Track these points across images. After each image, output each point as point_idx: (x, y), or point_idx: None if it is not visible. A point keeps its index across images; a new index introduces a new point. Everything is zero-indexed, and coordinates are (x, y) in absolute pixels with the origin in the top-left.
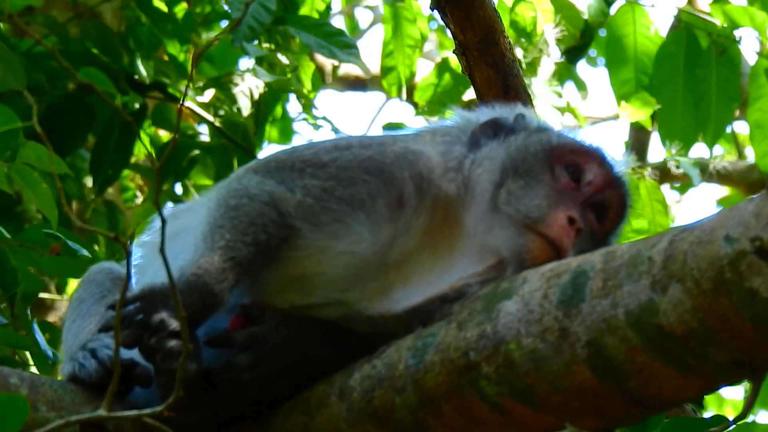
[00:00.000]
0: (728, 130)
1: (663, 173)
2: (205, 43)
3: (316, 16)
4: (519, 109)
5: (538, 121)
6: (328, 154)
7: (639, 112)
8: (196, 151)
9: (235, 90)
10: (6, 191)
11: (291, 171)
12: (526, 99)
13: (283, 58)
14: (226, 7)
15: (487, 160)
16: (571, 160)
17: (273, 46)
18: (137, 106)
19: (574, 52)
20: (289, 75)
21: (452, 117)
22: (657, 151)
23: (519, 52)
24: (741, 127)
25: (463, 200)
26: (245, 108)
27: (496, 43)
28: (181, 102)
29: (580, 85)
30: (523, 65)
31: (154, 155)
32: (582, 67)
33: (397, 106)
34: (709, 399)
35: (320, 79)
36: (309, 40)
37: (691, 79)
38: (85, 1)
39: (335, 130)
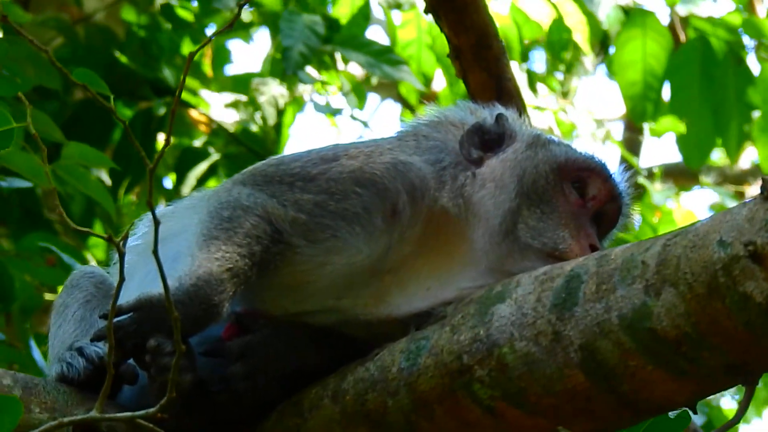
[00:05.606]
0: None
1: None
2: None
3: (357, 32)
4: (498, 109)
5: (529, 129)
6: (315, 167)
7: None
8: (216, 156)
9: (261, 99)
10: (37, 194)
11: (280, 185)
12: (520, 102)
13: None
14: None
15: (490, 182)
16: (577, 176)
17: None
18: (162, 111)
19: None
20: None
21: (429, 116)
22: (650, 150)
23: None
24: None
25: (463, 218)
26: (271, 117)
27: (489, 47)
28: (175, 100)
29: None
30: (559, 90)
31: (147, 158)
32: None
33: (390, 108)
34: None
35: (364, 91)
36: (359, 59)
37: (707, 86)
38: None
39: None
